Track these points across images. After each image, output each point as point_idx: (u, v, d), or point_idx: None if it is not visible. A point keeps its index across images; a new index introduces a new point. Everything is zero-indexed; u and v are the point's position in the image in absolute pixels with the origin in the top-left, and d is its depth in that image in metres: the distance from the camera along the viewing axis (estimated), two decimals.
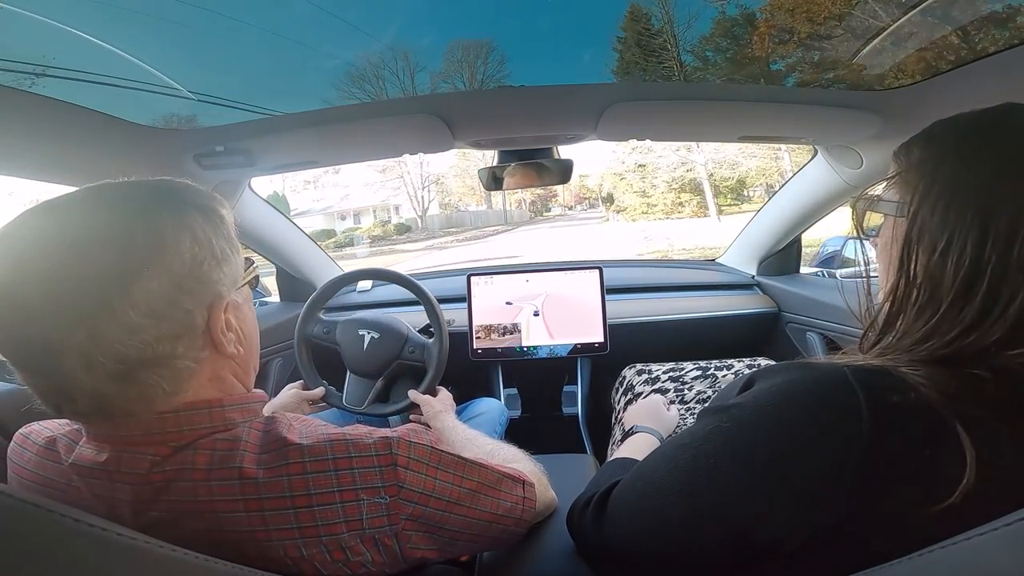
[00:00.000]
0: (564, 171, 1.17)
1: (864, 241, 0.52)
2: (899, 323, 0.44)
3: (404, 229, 22.91)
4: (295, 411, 1.09)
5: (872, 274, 0.52)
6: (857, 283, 0.52)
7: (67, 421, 0.48)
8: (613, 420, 1.17)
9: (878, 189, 0.50)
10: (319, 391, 1.12)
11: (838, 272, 1.65)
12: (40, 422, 0.50)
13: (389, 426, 1.48)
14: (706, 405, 0.50)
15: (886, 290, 0.46)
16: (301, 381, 1.16)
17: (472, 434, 0.85)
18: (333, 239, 20.85)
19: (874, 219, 0.52)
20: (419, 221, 23.99)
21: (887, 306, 0.45)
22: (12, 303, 0.36)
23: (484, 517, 0.53)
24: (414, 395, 1.08)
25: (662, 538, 0.46)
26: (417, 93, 0.84)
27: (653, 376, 1.17)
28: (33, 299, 0.36)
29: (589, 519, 0.56)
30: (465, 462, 0.53)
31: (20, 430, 0.50)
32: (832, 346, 1.36)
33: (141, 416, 0.42)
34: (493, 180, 1.20)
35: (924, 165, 0.44)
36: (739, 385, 0.47)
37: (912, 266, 0.43)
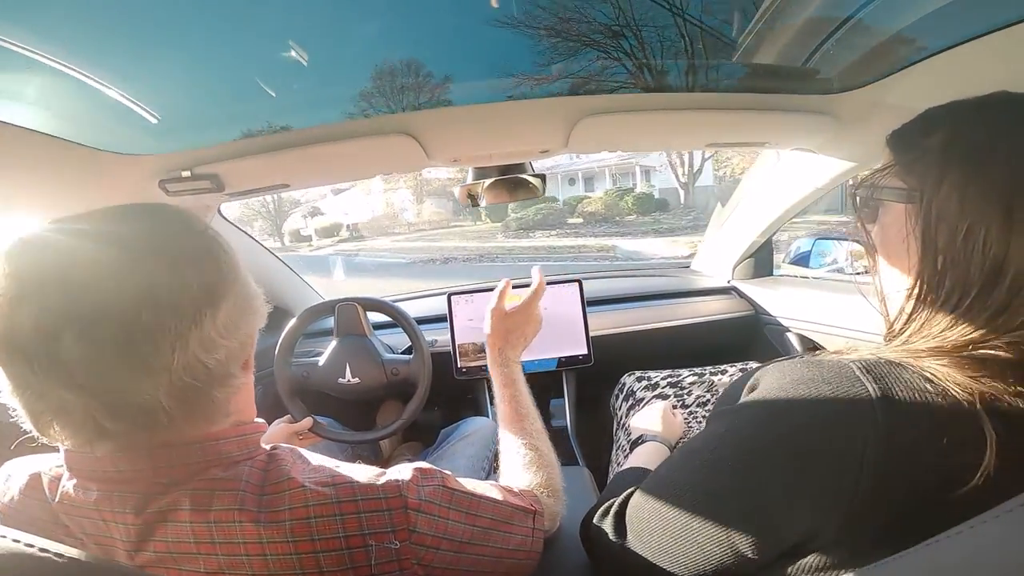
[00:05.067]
0: (538, 185, 1.20)
1: (846, 238, 0.52)
2: (926, 311, 0.43)
3: (653, 206, 14.39)
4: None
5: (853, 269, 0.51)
6: (873, 280, 0.51)
7: (49, 458, 0.45)
8: (615, 426, 1.17)
9: (872, 179, 0.49)
10: (307, 422, 1.11)
11: (810, 273, 1.69)
12: (20, 459, 0.47)
13: (380, 449, 1.46)
14: (714, 408, 0.50)
15: (911, 280, 0.45)
16: (288, 416, 1.14)
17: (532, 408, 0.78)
18: (542, 208, 14.26)
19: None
20: (680, 193, 14.40)
21: (914, 295, 0.44)
22: (112, 326, 0.35)
23: (495, 553, 0.52)
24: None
25: (688, 544, 0.45)
26: (387, 113, 0.85)
27: (652, 382, 1.18)
28: (134, 321, 0.35)
29: (608, 530, 0.54)
30: (478, 499, 0.51)
31: (1, 468, 0.47)
32: (810, 345, 1.38)
33: (190, 434, 0.41)
34: (469, 197, 1.21)
35: (932, 152, 0.44)
36: (745, 386, 0.47)
37: (936, 254, 0.43)
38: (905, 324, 0.45)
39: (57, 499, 0.42)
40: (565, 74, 0.80)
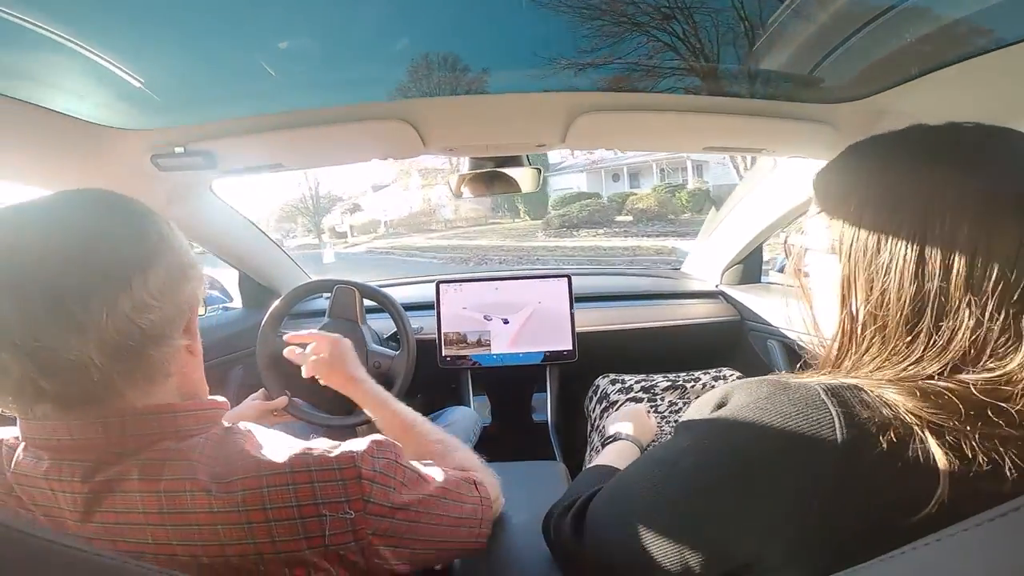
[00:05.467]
0: (534, 178, 1.20)
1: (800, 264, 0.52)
2: (849, 356, 0.44)
3: (709, 203, 12.02)
4: (257, 422, 1.06)
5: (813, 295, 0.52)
6: (804, 317, 0.52)
7: (12, 429, 0.46)
8: (589, 428, 1.17)
9: (807, 220, 0.50)
10: (281, 401, 1.10)
11: (778, 278, 1.70)
12: None
13: (356, 435, 1.46)
14: (682, 419, 0.50)
15: (833, 328, 0.45)
16: (263, 390, 1.14)
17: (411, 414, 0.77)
18: (586, 204, 12.78)
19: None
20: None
21: (836, 343, 0.45)
22: (41, 287, 0.38)
23: (450, 522, 0.54)
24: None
25: (641, 551, 0.46)
26: (386, 99, 0.84)
27: (626, 386, 1.18)
28: (63, 282, 0.38)
29: (568, 527, 0.55)
30: (426, 473, 0.53)
31: None
32: (791, 353, 1.40)
33: (134, 400, 0.43)
34: (462, 187, 1.21)
35: (847, 201, 0.44)
36: (714, 400, 0.47)
37: (853, 303, 0.43)
38: (837, 362, 0.46)
39: (11, 469, 0.42)
40: (569, 67, 0.80)
